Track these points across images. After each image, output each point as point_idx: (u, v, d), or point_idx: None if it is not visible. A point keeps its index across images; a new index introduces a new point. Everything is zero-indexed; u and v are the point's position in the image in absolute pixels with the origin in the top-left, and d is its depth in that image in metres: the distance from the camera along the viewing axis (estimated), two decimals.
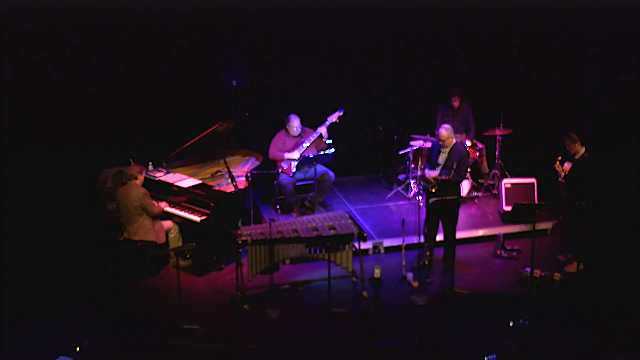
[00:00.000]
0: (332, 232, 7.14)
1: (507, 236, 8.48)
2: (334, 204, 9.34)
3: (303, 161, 8.68)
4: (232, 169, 8.27)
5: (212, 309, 7.12)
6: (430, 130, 9.61)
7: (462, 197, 7.95)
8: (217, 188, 8.15)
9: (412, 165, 9.48)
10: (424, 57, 10.26)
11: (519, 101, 10.19)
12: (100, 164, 8.75)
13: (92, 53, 9.00)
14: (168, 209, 7.96)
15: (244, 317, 6.96)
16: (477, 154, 9.59)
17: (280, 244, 7.05)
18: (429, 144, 9.15)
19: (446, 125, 7.64)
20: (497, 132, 9.37)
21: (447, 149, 7.60)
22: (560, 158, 7.58)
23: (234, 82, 9.19)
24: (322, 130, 8.81)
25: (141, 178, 7.72)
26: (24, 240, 8.32)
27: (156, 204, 7.77)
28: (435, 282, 7.64)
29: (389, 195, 9.64)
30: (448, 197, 7.47)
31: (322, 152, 8.59)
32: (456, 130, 9.16)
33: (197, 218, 7.79)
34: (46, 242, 8.35)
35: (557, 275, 7.50)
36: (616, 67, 9.40)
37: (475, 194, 9.53)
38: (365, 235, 7.21)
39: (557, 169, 7.59)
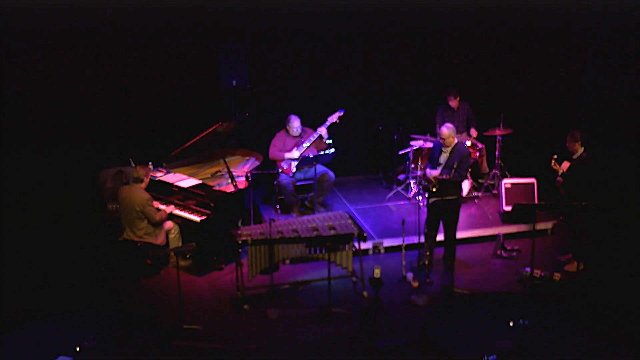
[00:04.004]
0: (332, 232, 7.14)
1: (507, 236, 8.48)
2: (334, 204, 9.34)
3: (303, 161, 8.68)
4: (232, 169, 8.27)
5: (212, 309, 7.12)
6: (430, 130, 9.61)
7: (462, 197, 7.95)
8: (217, 188, 8.15)
9: (412, 165, 9.47)
10: (424, 57, 10.26)
11: (519, 101, 10.19)
12: (100, 164, 8.75)
13: (92, 53, 9.01)
14: (176, 211, 7.94)
15: (244, 317, 6.96)
16: (477, 154, 9.59)
17: (280, 244, 7.05)
18: (429, 144, 9.16)
19: (448, 124, 7.64)
20: (497, 132, 9.37)
21: (449, 149, 7.60)
22: (555, 157, 7.58)
23: (234, 82, 9.19)
24: (322, 130, 8.81)
25: (146, 181, 7.70)
26: (24, 240, 8.32)
27: (160, 208, 7.75)
28: (435, 282, 7.63)
29: (389, 195, 9.64)
30: (448, 197, 7.47)
31: (322, 152, 8.59)
32: (456, 130, 9.15)
33: (197, 218, 7.79)
34: (46, 242, 8.35)
35: (557, 275, 7.49)
36: (616, 67, 9.41)
37: (475, 194, 9.53)
38: (365, 235, 7.21)
39: (553, 167, 7.59)
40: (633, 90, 9.25)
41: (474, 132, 9.69)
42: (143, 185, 7.66)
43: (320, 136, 8.82)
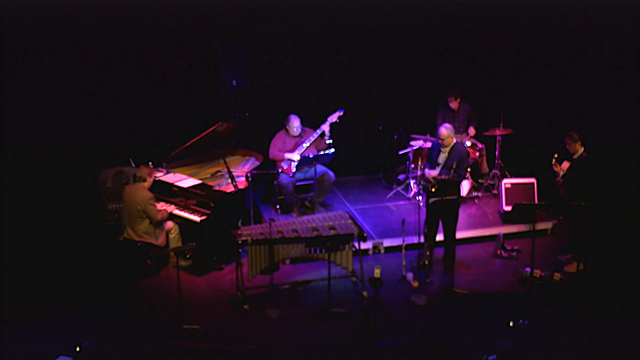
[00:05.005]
0: (332, 232, 7.14)
1: (507, 236, 8.48)
2: (334, 204, 9.34)
3: (303, 161, 8.68)
4: (232, 169, 8.27)
5: (212, 309, 7.12)
6: (430, 130, 9.61)
7: (462, 197, 7.95)
8: (217, 188, 8.15)
9: (412, 165, 9.48)
10: (424, 57, 10.26)
11: (519, 101, 10.19)
12: (100, 164, 8.75)
13: (92, 53, 9.00)
14: (176, 211, 7.94)
15: (244, 317, 6.96)
16: (477, 154, 9.59)
17: (280, 244, 7.05)
18: (429, 144, 9.16)
19: (447, 125, 7.64)
20: (497, 132, 9.38)
21: (448, 149, 7.60)
22: (556, 156, 7.58)
23: (234, 82, 9.19)
24: (325, 127, 8.78)
25: (150, 180, 7.72)
26: (24, 241, 8.32)
27: (161, 208, 7.75)
28: (435, 282, 7.63)
29: (389, 195, 9.64)
30: (448, 197, 7.47)
31: (322, 152, 8.59)
32: (457, 131, 9.16)
33: (197, 218, 7.80)
34: (46, 242, 8.35)
35: (557, 275, 7.49)
36: (616, 67, 9.41)
37: (475, 194, 9.53)
38: (365, 235, 7.21)
39: (554, 168, 7.59)
40: (633, 90, 9.25)
41: (472, 131, 9.68)
42: (146, 184, 7.68)
43: (323, 133, 8.80)
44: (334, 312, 6.89)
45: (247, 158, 8.93)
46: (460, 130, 9.56)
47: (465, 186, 9.17)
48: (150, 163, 8.42)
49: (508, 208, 8.75)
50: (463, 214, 8.66)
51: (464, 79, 10.24)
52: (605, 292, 7.26)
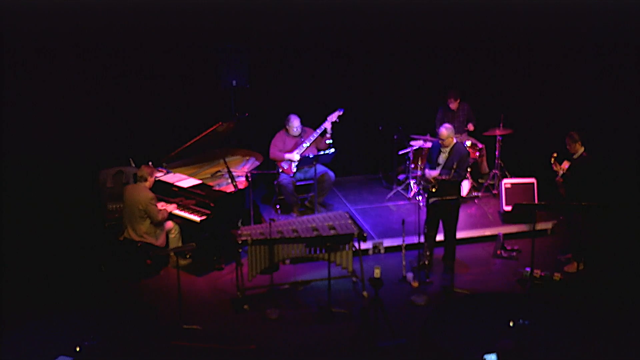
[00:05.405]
0: (332, 232, 7.14)
1: (507, 236, 8.48)
2: (334, 204, 9.34)
3: (303, 161, 8.68)
4: (232, 169, 8.27)
5: (212, 309, 7.12)
6: (430, 130, 9.61)
7: (462, 197, 7.95)
8: (217, 188, 8.15)
9: (412, 165, 9.48)
10: (424, 57, 10.26)
11: (519, 101, 10.19)
12: (100, 164, 8.75)
13: (92, 53, 9.00)
14: (176, 211, 7.94)
15: (244, 317, 6.96)
16: (477, 154, 9.59)
17: (280, 244, 7.05)
18: (429, 144, 9.16)
19: (447, 125, 7.64)
20: (497, 132, 9.38)
21: (448, 149, 7.60)
22: (555, 155, 7.58)
23: (234, 82, 9.19)
24: (327, 125, 8.76)
25: (151, 180, 7.72)
26: (24, 241, 8.32)
27: (161, 208, 7.76)
28: (435, 282, 7.63)
29: (389, 195, 9.64)
30: (448, 197, 7.47)
31: (322, 152, 8.59)
32: (457, 131, 9.15)
33: (197, 218, 7.79)
34: (46, 242, 8.35)
35: (557, 275, 7.50)
36: (616, 67, 9.41)
37: (475, 194, 9.53)
38: (365, 235, 7.21)
39: (554, 167, 7.60)
40: (633, 90, 9.25)
41: (471, 127, 9.68)
42: (147, 184, 7.68)
43: (324, 131, 8.78)
44: (334, 312, 6.89)
45: (247, 158, 8.94)
46: (460, 130, 9.56)
47: (465, 186, 9.17)
48: (150, 163, 8.42)
49: (508, 208, 8.75)
50: (463, 214, 8.66)
51: (464, 79, 10.24)
52: (605, 292, 7.27)
